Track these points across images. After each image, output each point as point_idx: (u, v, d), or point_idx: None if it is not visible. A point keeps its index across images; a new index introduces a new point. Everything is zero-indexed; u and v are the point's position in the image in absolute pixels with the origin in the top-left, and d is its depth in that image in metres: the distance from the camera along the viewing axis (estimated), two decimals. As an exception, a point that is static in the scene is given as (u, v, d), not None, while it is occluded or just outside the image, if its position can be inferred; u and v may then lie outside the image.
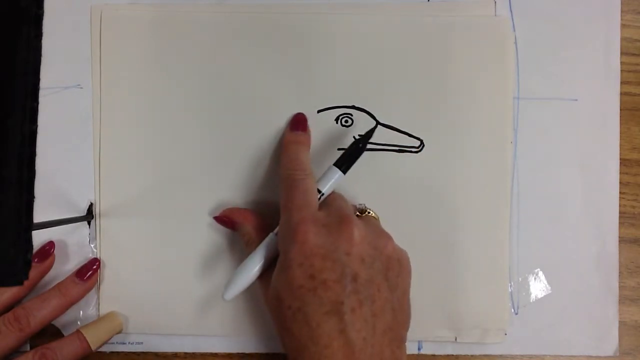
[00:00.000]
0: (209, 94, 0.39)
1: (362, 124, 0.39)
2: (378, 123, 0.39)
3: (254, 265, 0.33)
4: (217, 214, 0.38)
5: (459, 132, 0.39)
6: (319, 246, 0.30)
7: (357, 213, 0.36)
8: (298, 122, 0.38)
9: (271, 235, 0.34)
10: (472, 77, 0.39)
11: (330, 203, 0.34)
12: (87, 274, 0.38)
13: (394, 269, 0.32)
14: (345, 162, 0.35)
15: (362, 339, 0.29)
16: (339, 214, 0.32)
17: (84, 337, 0.36)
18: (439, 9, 0.40)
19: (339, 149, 0.39)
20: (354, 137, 0.39)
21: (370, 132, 0.37)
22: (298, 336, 0.29)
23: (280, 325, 0.31)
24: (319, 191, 0.34)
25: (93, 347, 0.36)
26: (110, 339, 0.38)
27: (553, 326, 0.40)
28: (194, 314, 0.39)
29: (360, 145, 0.36)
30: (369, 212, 0.36)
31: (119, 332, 0.38)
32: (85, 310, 0.39)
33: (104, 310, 0.39)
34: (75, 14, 0.39)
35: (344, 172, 0.35)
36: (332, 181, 0.35)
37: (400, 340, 0.31)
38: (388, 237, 0.33)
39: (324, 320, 0.29)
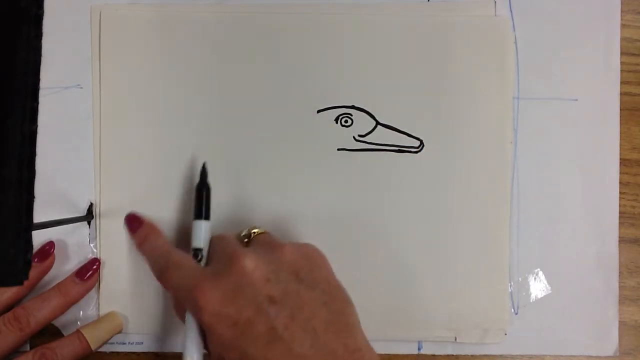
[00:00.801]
0: (208, 94, 0.39)
1: (362, 124, 0.39)
2: (378, 123, 0.39)
3: (193, 352, 0.32)
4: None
5: (459, 132, 0.39)
6: (222, 296, 0.30)
7: (246, 240, 0.35)
8: (131, 222, 0.37)
9: (187, 316, 0.33)
10: (472, 77, 0.39)
11: (212, 252, 0.34)
12: (87, 274, 0.38)
13: (302, 268, 0.32)
14: (200, 210, 0.36)
15: (309, 347, 0.29)
16: (223, 256, 0.32)
17: (84, 337, 0.36)
18: (439, 9, 0.40)
19: (338, 149, 0.39)
20: (353, 137, 0.39)
21: (203, 171, 0.37)
22: None
23: None
24: (198, 249, 0.35)
25: (93, 347, 0.36)
26: (110, 339, 0.38)
27: (553, 326, 0.40)
28: (194, 314, 0.39)
29: (201, 189, 0.36)
30: (254, 232, 0.36)
31: (119, 332, 0.38)
32: (85, 310, 0.39)
33: (104, 310, 0.39)
34: (75, 14, 0.39)
35: (207, 218, 0.36)
36: (202, 233, 0.35)
37: (348, 328, 0.31)
38: (280, 245, 0.33)
39: (268, 352, 0.29)
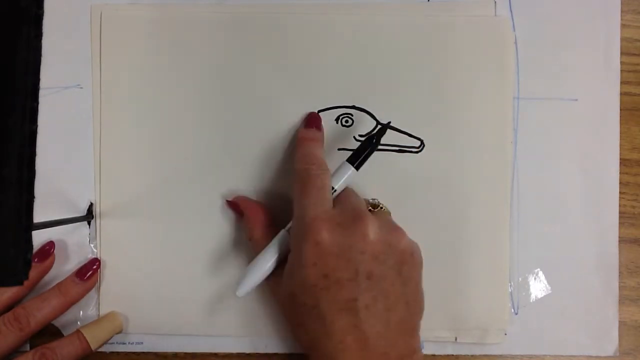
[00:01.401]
0: (208, 94, 0.39)
1: (362, 124, 0.39)
2: (378, 123, 0.39)
3: (267, 262, 0.33)
4: (230, 199, 0.38)
5: (459, 132, 0.39)
6: (333, 245, 0.30)
7: (370, 208, 0.35)
8: (312, 120, 0.38)
9: (283, 232, 0.34)
10: (472, 77, 0.39)
11: (344, 200, 0.34)
12: (87, 274, 0.38)
13: (407, 262, 0.32)
14: (358, 158, 0.35)
15: (376, 333, 0.30)
16: (352, 212, 0.32)
17: (84, 337, 0.36)
18: (439, 9, 0.40)
19: (339, 149, 0.39)
20: (354, 137, 0.39)
21: (383, 129, 0.36)
22: (312, 332, 0.30)
23: (294, 321, 0.32)
24: (333, 188, 0.34)
25: (93, 347, 0.36)
26: (110, 339, 0.38)
27: (553, 326, 0.40)
28: (194, 314, 0.39)
29: (374, 141, 0.36)
30: (381, 207, 0.36)
31: (119, 332, 0.38)
32: (85, 310, 0.39)
33: (104, 310, 0.39)
34: (75, 14, 0.39)
35: (357, 168, 0.35)
36: (345, 178, 0.35)
37: (413, 329, 0.32)
38: (401, 232, 0.33)
39: (338, 317, 0.29)
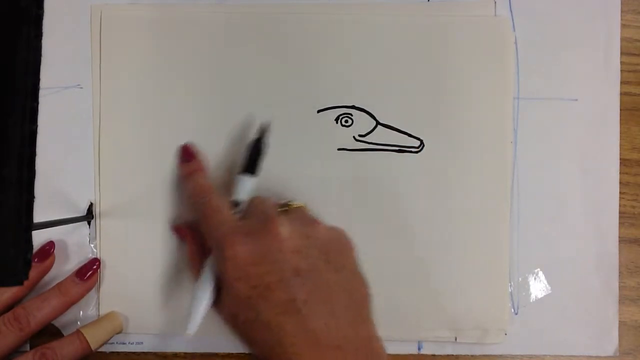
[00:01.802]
0: (208, 93, 0.39)
1: (362, 124, 0.39)
2: (378, 123, 0.39)
3: (204, 294, 0.32)
4: (174, 225, 0.38)
5: (459, 132, 0.39)
6: (250, 254, 0.30)
7: (285, 208, 0.35)
8: (186, 153, 0.38)
9: (208, 260, 0.33)
10: (472, 77, 0.39)
11: (251, 209, 0.34)
12: (87, 274, 0.38)
13: (333, 249, 0.32)
14: (249, 164, 0.36)
15: (324, 326, 0.29)
16: (261, 217, 0.32)
17: (84, 337, 0.36)
18: (439, 9, 0.40)
19: (339, 149, 0.39)
20: (354, 137, 0.39)
21: (265, 128, 0.37)
22: (263, 343, 0.29)
23: (245, 340, 0.31)
24: (236, 202, 0.35)
25: (93, 347, 0.36)
26: (110, 339, 0.38)
27: (553, 326, 0.40)
28: (194, 314, 0.39)
29: (259, 143, 0.36)
30: (292, 205, 0.36)
31: (119, 332, 0.38)
32: (85, 310, 0.39)
33: (104, 310, 0.39)
34: (75, 14, 0.39)
35: (253, 173, 0.36)
36: (246, 188, 0.35)
37: (363, 316, 0.31)
38: (316, 222, 0.33)
39: (282, 321, 0.29)
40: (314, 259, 0.31)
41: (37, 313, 0.36)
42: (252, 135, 0.37)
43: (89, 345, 0.36)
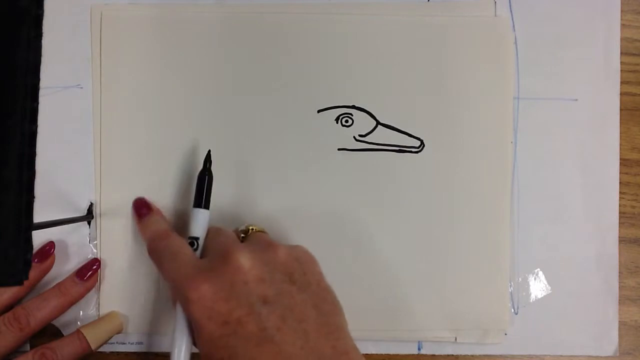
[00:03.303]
0: (208, 94, 0.39)
1: (362, 124, 0.39)
2: (378, 123, 0.39)
3: (181, 341, 0.32)
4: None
5: (459, 132, 0.39)
6: (215, 292, 0.30)
7: (242, 235, 0.35)
8: (140, 207, 0.38)
9: (178, 305, 0.33)
10: (472, 77, 0.39)
11: (209, 244, 0.34)
12: (87, 274, 0.38)
13: (295, 270, 0.32)
14: (201, 198, 0.36)
15: (300, 349, 0.28)
16: (219, 251, 0.32)
17: (84, 337, 0.36)
18: (439, 9, 0.40)
19: (339, 149, 0.39)
20: (354, 137, 0.39)
21: (207, 158, 0.36)
22: None
23: None
24: (194, 238, 0.35)
25: (93, 347, 0.36)
26: (110, 338, 0.38)
27: (553, 326, 0.40)
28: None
29: (205, 175, 0.36)
30: (252, 229, 0.36)
31: (119, 332, 0.38)
32: (86, 310, 0.39)
33: (104, 310, 0.39)
34: (75, 14, 0.39)
35: (206, 207, 0.36)
36: (200, 222, 0.35)
37: (337, 330, 0.30)
38: (274, 246, 0.33)
39: (258, 353, 0.28)
40: (278, 283, 0.31)
41: (37, 313, 0.36)
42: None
43: (89, 345, 0.36)
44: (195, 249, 0.34)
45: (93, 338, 0.36)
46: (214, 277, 0.30)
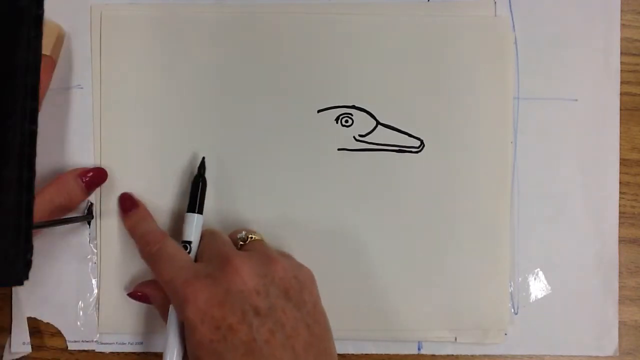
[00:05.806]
0: (208, 94, 0.39)
1: (362, 124, 0.39)
2: (378, 123, 0.39)
3: (173, 349, 0.32)
4: (132, 291, 0.37)
5: (459, 132, 0.39)
6: (211, 297, 0.30)
7: (241, 242, 0.36)
8: (126, 201, 0.38)
9: (170, 311, 0.33)
10: (472, 77, 0.39)
11: (206, 249, 0.34)
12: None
13: (292, 287, 0.32)
14: (194, 203, 0.36)
15: None
16: (218, 257, 0.32)
17: (49, 57, 0.35)
18: (439, 9, 0.40)
19: (339, 149, 0.39)
20: (354, 137, 0.39)
21: (201, 165, 0.37)
22: None
23: None
24: (188, 242, 0.35)
25: (54, 56, 0.36)
26: (61, 46, 0.37)
27: (553, 326, 0.40)
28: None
29: (197, 181, 0.36)
30: (251, 237, 0.36)
31: (62, 35, 0.38)
32: (85, 310, 0.39)
33: (104, 310, 0.39)
34: (75, 14, 0.39)
35: (200, 212, 0.36)
36: (194, 227, 0.35)
37: (325, 354, 0.31)
38: (275, 260, 0.32)
39: None
40: (273, 297, 0.31)
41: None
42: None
43: (52, 58, 0.36)
44: (188, 253, 0.35)
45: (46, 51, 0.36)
46: (212, 281, 0.31)
